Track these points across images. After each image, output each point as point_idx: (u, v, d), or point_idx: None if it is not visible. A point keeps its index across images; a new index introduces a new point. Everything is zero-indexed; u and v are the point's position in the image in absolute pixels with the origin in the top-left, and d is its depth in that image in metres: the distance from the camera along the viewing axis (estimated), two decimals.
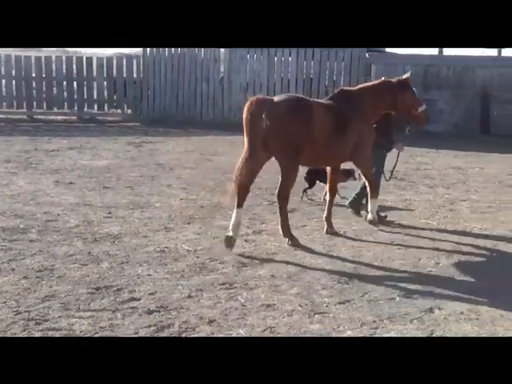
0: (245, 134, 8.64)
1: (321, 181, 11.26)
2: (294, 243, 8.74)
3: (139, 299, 6.66)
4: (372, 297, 6.88)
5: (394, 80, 9.81)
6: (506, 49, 30.70)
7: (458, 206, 11.57)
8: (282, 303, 6.61)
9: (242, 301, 6.67)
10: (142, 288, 6.97)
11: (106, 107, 26.05)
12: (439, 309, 6.60)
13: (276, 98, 8.78)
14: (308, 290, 7.03)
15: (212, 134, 21.93)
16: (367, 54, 24.36)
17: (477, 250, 8.77)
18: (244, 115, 8.58)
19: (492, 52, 31.37)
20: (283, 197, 8.82)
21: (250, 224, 9.80)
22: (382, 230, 9.66)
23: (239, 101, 25.58)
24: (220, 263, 7.90)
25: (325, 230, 9.49)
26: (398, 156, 10.89)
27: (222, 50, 26.07)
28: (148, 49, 26.53)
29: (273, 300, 6.70)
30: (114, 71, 25.94)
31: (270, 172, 14.34)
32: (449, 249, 8.74)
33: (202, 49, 26.19)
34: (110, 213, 10.23)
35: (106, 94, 25.87)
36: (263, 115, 8.40)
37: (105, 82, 25.93)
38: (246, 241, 8.91)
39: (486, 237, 9.42)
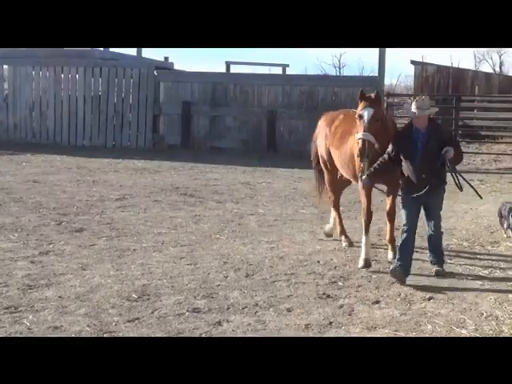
0: None
1: None
2: (349, 242, 9.91)
3: None
4: (161, 313, 6.90)
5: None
6: (290, 68, 31.95)
7: (246, 220, 11.87)
8: (69, 324, 6.48)
9: (28, 324, 6.47)
10: None
11: None
12: (227, 322, 6.73)
13: None
14: (96, 309, 6.95)
15: None
16: (155, 72, 24.49)
17: (264, 261, 9.02)
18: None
19: (277, 70, 32.58)
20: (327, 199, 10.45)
21: (37, 245, 9.54)
22: (171, 247, 9.72)
23: (25, 119, 24.97)
24: (4, 286, 7.62)
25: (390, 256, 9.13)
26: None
27: (6, 66, 25.32)
28: None
29: (60, 322, 6.55)
30: None
31: (56, 192, 14.09)
32: (237, 262, 8.93)
33: None
34: None
35: None
36: None
37: None
38: (32, 262, 8.66)
39: (272, 249, 9.72)
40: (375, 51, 22.86)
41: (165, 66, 28.41)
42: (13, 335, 6.18)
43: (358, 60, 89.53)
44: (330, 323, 6.73)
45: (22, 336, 6.16)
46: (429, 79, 32.21)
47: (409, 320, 6.84)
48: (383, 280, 8.23)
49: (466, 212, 13.05)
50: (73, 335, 6.23)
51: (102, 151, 22.99)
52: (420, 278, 8.38)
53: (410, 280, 8.19)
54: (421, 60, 35.15)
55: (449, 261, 9.16)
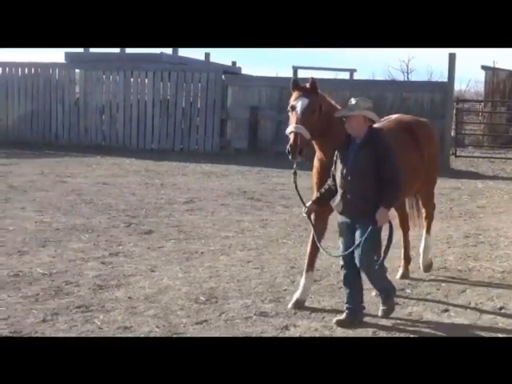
0: None
1: None
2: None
3: None
4: (229, 316, 6.94)
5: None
6: (358, 73, 31.73)
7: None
8: (138, 325, 6.57)
9: (99, 323, 6.58)
10: None
11: None
12: (294, 326, 6.73)
13: None
14: (165, 311, 7.02)
15: (68, 156, 21.64)
16: (223, 76, 24.62)
17: (331, 267, 8.99)
18: None
19: (345, 75, 32.39)
20: None
21: (107, 246, 9.70)
22: (238, 251, 9.76)
23: (95, 122, 25.37)
24: (76, 286, 7.77)
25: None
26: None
27: (77, 70, 25.77)
28: (0, 68, 25.97)
29: (130, 322, 6.64)
30: None
31: (126, 194, 14.31)
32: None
33: (57, 69, 25.84)
34: None
35: None
36: None
37: None
38: (102, 263, 8.81)
39: None
40: (445, 56, 22.56)
41: (232, 71, 28.56)
42: (84, 334, 6.30)
43: (427, 65, 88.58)
44: (398, 331, 6.67)
45: (93, 336, 6.28)
46: (500, 85, 31.68)
47: (479, 330, 6.73)
48: (452, 288, 8.12)
49: None
50: (142, 336, 6.31)
51: (170, 155, 23.19)
52: (489, 287, 8.23)
53: (479, 289, 8.06)
54: (492, 65, 34.61)
55: None
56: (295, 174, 7.28)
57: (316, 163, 7.46)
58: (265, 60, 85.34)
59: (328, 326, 6.72)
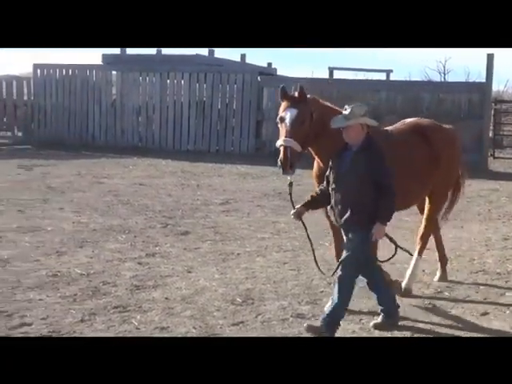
0: None
1: None
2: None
3: (31, 324, 6.51)
4: (265, 318, 6.93)
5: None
6: (394, 73, 31.51)
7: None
8: (175, 326, 6.59)
9: (136, 324, 6.61)
10: (33, 313, 6.82)
11: None
12: None
13: None
14: (202, 312, 7.03)
15: (104, 157, 21.80)
16: (259, 78, 24.63)
17: None
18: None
19: (381, 76, 32.19)
20: None
21: (144, 246, 9.75)
22: (274, 252, 9.76)
23: (132, 124, 25.50)
24: (113, 286, 7.82)
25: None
26: None
27: (114, 72, 25.93)
28: (39, 70, 26.21)
29: (167, 323, 6.67)
30: (4, 93, 25.53)
31: (162, 195, 14.38)
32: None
33: (94, 70, 26.02)
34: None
35: None
36: None
37: None
38: (139, 263, 8.85)
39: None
40: (482, 56, 22.34)
41: (268, 72, 28.53)
42: (121, 334, 6.33)
43: (464, 66, 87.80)
44: (436, 333, 6.61)
45: (130, 336, 6.31)
46: None
47: None
48: (491, 291, 8.04)
49: None
50: (179, 336, 6.33)
51: (206, 156, 23.25)
52: None
53: None
54: None
55: None
56: (290, 185, 7.06)
57: (315, 168, 7.40)
58: (300, 61, 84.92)
59: (365, 329, 6.70)
